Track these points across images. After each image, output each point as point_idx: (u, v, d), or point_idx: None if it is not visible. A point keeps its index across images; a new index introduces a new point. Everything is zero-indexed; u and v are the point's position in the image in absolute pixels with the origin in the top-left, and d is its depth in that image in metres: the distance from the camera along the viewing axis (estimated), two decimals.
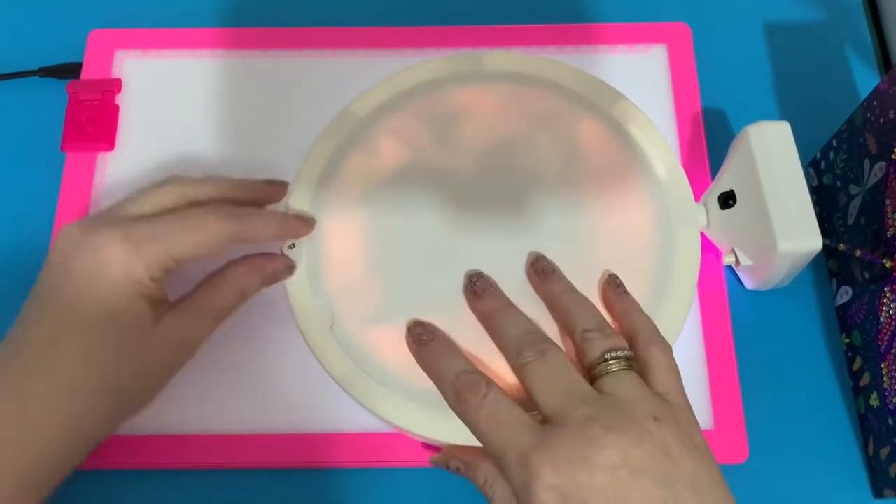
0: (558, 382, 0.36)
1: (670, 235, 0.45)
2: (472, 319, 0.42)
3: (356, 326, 0.43)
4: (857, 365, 0.47)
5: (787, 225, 0.43)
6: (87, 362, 0.38)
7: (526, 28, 0.54)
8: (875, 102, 0.44)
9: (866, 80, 0.55)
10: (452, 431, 0.40)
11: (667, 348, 0.38)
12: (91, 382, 0.38)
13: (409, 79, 0.48)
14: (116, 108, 0.52)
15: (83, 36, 0.54)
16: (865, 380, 0.46)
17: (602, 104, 0.47)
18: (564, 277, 0.42)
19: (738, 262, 0.46)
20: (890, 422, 0.43)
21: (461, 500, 0.44)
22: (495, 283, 0.42)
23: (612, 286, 0.42)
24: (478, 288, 0.42)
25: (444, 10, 0.57)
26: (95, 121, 0.51)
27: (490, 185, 0.45)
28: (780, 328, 0.49)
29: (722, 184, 0.46)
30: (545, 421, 0.35)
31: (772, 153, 0.44)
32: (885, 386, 0.44)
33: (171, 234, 0.39)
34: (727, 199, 0.46)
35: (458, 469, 0.39)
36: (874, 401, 0.45)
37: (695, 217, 0.45)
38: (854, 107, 0.47)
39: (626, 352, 0.37)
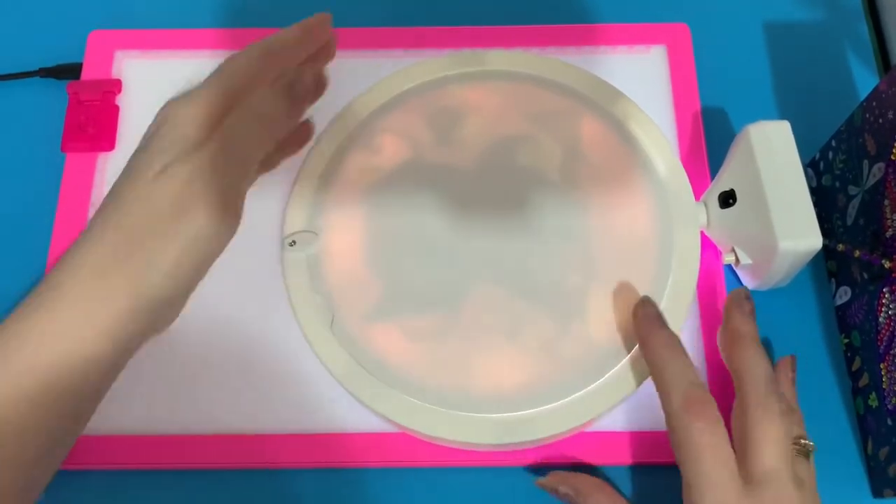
0: (782, 446, 0.37)
1: (670, 234, 0.45)
2: (472, 317, 0.42)
3: (356, 323, 0.43)
4: (856, 365, 0.47)
5: (787, 224, 0.43)
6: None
7: (527, 29, 0.54)
8: (874, 103, 0.44)
9: (865, 80, 0.55)
10: (452, 428, 0.40)
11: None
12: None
13: (411, 77, 0.48)
14: (116, 109, 0.52)
15: (83, 36, 0.54)
16: (864, 380, 0.46)
17: (603, 103, 0.47)
18: (756, 342, 0.42)
19: (737, 261, 0.46)
20: (889, 422, 0.43)
21: (461, 499, 0.45)
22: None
23: (787, 376, 0.44)
24: (746, 308, 0.43)
25: (444, 10, 0.57)
26: (96, 121, 0.51)
27: (491, 183, 0.45)
28: (779, 328, 0.49)
29: (722, 183, 0.46)
30: (747, 469, 0.36)
31: (772, 152, 0.44)
32: (883, 386, 0.44)
33: (204, 82, 0.38)
34: (727, 199, 0.46)
35: (566, 495, 0.40)
36: (873, 401, 0.45)
37: (695, 216, 0.46)
38: (853, 107, 0.47)
39: (811, 444, 0.40)
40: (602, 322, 0.43)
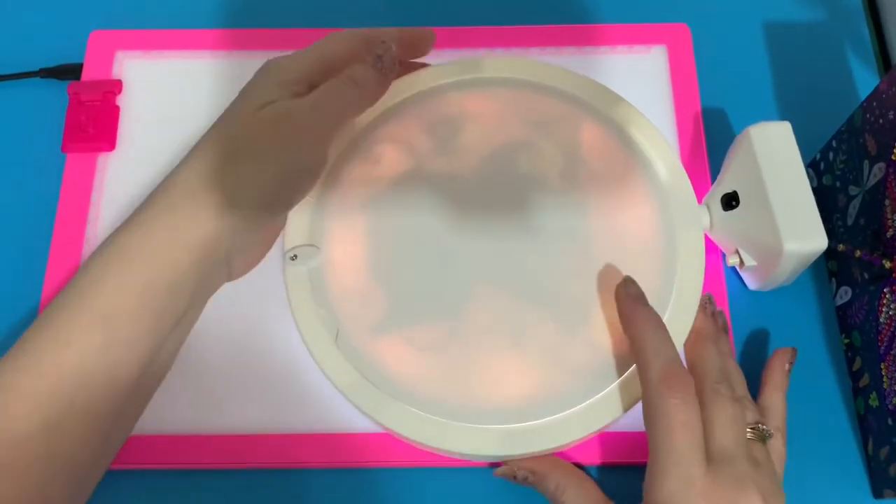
0: (737, 428, 0.38)
1: (674, 238, 0.44)
2: (478, 326, 0.42)
3: (362, 337, 0.42)
4: (856, 365, 0.47)
5: (792, 225, 0.43)
6: (202, 161, 0.39)
7: (526, 29, 0.54)
8: (874, 103, 0.44)
9: (866, 80, 0.55)
10: (465, 442, 0.40)
11: (785, 439, 0.42)
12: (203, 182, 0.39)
13: (408, 86, 0.48)
14: (117, 109, 0.52)
15: (84, 37, 0.54)
16: (865, 380, 0.46)
17: (602, 108, 0.47)
18: (727, 342, 0.45)
19: (742, 262, 0.46)
20: (889, 422, 0.43)
21: (463, 498, 0.45)
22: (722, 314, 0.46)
23: (782, 372, 0.45)
24: (709, 309, 0.45)
25: (444, 11, 0.57)
26: (96, 121, 0.51)
27: (493, 190, 0.45)
28: (780, 328, 0.49)
29: (724, 185, 0.46)
30: (707, 449, 0.37)
31: (774, 154, 0.44)
32: (884, 386, 0.44)
33: (304, 49, 0.42)
34: (730, 201, 0.46)
35: (525, 479, 0.41)
36: (873, 401, 0.45)
37: (698, 219, 0.45)
38: (854, 107, 0.47)
39: (768, 429, 0.41)
40: (609, 328, 0.42)
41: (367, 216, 0.44)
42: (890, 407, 0.43)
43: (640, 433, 0.45)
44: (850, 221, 0.47)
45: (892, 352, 0.43)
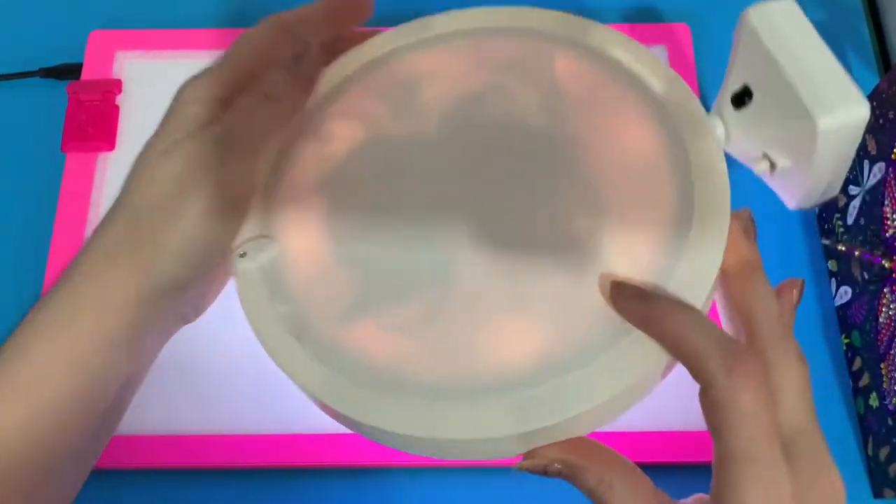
0: (808, 395, 0.32)
1: (684, 149, 0.38)
2: (469, 289, 0.36)
3: (332, 329, 0.36)
4: (856, 365, 0.47)
5: (821, 97, 0.35)
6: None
7: None
8: (875, 103, 0.44)
9: (866, 80, 0.55)
10: (472, 424, 0.33)
11: None
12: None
13: (355, 57, 0.43)
14: (116, 109, 0.52)
15: (83, 36, 0.54)
16: (865, 380, 0.46)
17: (577, 36, 0.42)
18: (764, 274, 0.35)
19: (773, 166, 0.39)
20: (889, 422, 0.43)
21: (459, 497, 0.45)
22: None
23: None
24: (752, 231, 0.36)
25: (442, 10, 0.57)
26: (95, 121, 0.51)
27: (465, 142, 0.40)
28: None
29: (731, 83, 0.39)
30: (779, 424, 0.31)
31: (782, 31, 0.37)
32: (884, 386, 0.44)
33: (217, 61, 0.38)
34: (742, 97, 0.39)
35: (558, 473, 0.33)
36: (873, 401, 0.45)
37: (708, 126, 0.39)
38: None
39: None
40: (626, 259, 0.35)
41: (325, 196, 0.39)
42: (890, 407, 0.43)
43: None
44: (850, 221, 0.47)
45: (892, 352, 0.43)
